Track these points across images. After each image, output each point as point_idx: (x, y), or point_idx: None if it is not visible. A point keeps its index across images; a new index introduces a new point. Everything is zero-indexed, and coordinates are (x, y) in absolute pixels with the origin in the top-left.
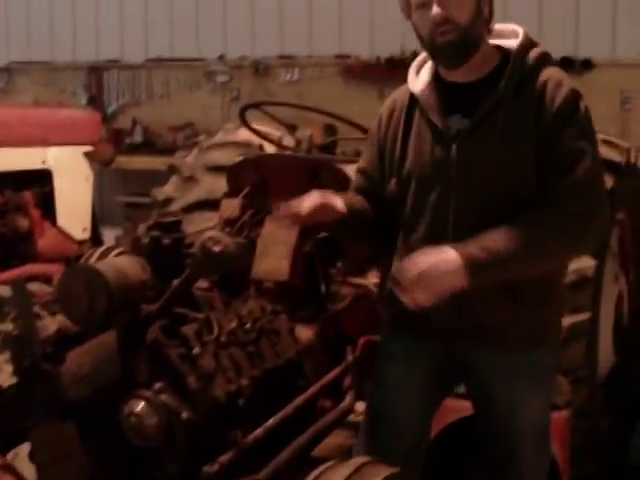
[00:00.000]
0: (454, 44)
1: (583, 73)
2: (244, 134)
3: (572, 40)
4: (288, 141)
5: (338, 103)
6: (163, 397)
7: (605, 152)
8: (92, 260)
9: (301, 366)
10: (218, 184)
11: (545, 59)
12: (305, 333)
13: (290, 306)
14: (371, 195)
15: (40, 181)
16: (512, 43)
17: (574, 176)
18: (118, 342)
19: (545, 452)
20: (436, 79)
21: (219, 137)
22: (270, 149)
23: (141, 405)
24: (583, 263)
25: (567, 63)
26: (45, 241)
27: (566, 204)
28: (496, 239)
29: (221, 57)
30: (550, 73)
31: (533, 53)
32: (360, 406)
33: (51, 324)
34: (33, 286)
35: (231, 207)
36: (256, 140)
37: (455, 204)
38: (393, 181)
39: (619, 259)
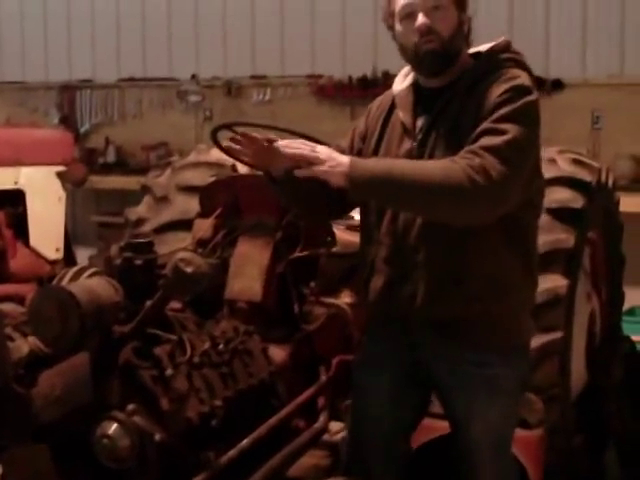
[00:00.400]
0: (437, 52)
1: (554, 93)
2: (217, 154)
3: (543, 60)
4: None
5: (310, 122)
6: (136, 419)
7: (576, 172)
8: (65, 281)
9: (274, 386)
10: (191, 204)
11: (512, 61)
12: (278, 353)
13: (263, 326)
14: None
15: (13, 201)
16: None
17: (492, 141)
18: (90, 364)
19: (507, 465)
20: (416, 83)
21: (192, 157)
22: (243, 169)
23: (114, 427)
24: (555, 282)
25: (538, 83)
26: (18, 261)
27: (468, 160)
28: (394, 165)
29: (193, 77)
30: (510, 71)
31: (502, 56)
32: (334, 426)
33: (23, 346)
34: (6, 306)
35: (204, 227)
36: (228, 160)
37: None
38: None
39: (591, 278)
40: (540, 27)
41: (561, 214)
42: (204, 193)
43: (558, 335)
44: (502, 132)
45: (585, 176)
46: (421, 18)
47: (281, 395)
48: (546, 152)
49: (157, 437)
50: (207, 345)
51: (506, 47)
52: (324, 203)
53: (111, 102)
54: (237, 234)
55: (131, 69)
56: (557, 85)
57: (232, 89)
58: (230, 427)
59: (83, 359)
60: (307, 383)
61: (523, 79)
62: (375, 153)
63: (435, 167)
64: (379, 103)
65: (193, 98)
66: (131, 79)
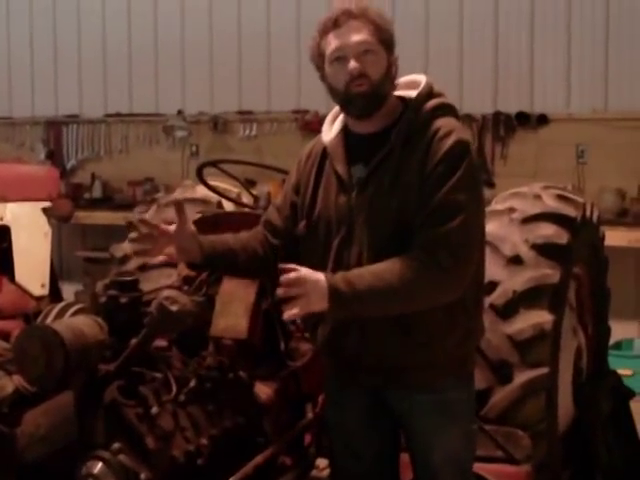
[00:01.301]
0: (367, 95)
1: (539, 128)
2: (202, 191)
3: (527, 96)
4: (247, 198)
5: (296, 157)
6: (121, 458)
7: (561, 207)
8: (50, 318)
9: (261, 424)
10: None
11: (441, 109)
12: (265, 390)
13: (249, 363)
14: (279, 231)
15: None
16: (413, 94)
17: (445, 229)
18: (75, 402)
19: None
20: (345, 130)
21: (177, 194)
22: (229, 206)
23: (99, 466)
24: (540, 318)
25: (523, 118)
26: (3, 297)
27: (432, 256)
28: (363, 277)
29: (180, 112)
30: (442, 123)
31: (430, 103)
32: (321, 462)
33: (8, 384)
34: None
35: None
36: (214, 197)
37: (355, 246)
38: (302, 223)
39: (577, 313)
40: (525, 63)
41: (546, 250)
42: None
43: (544, 370)
44: (455, 208)
45: (570, 212)
46: (353, 63)
47: (267, 432)
48: (531, 188)
49: (143, 476)
50: (193, 383)
51: (431, 90)
52: (258, 270)
53: (97, 137)
54: None
55: (117, 104)
56: (542, 120)
57: (218, 124)
58: (216, 465)
59: (68, 398)
60: (294, 420)
61: (459, 132)
62: (312, 205)
63: (405, 277)
64: (308, 153)
65: (179, 133)
66: (117, 114)
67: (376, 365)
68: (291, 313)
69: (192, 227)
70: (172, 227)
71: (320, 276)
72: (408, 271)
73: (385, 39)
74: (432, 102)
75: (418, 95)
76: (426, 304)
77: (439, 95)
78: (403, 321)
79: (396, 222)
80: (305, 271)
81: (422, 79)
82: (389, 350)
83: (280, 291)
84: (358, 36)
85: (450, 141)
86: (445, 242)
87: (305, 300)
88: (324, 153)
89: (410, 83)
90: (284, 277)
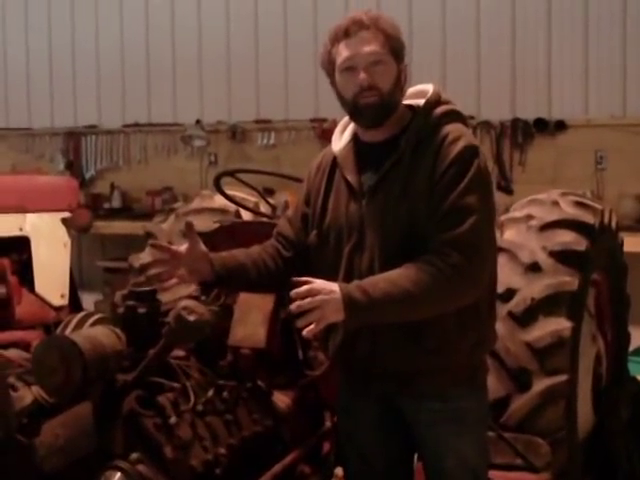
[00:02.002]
0: (376, 107)
1: (557, 134)
2: (220, 200)
3: (545, 102)
4: (265, 207)
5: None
6: (140, 468)
7: (579, 214)
8: (69, 328)
9: (279, 433)
10: None
11: (449, 115)
12: (283, 399)
13: (267, 373)
14: (291, 243)
15: (18, 248)
16: (422, 102)
17: (457, 231)
18: (94, 413)
19: None
20: (355, 139)
21: (195, 203)
22: (247, 215)
23: (117, 476)
24: (559, 325)
25: (541, 124)
26: (23, 308)
27: (445, 258)
28: (377, 284)
29: (198, 122)
30: (451, 129)
31: (438, 110)
32: (340, 471)
33: (27, 395)
34: (10, 352)
35: None
36: (232, 206)
37: (367, 253)
38: (314, 233)
39: (596, 319)
40: (542, 69)
41: (565, 257)
42: (207, 240)
43: (563, 378)
44: (466, 211)
45: (588, 218)
46: (362, 75)
47: (286, 441)
48: (549, 195)
49: None
50: (211, 392)
51: (439, 97)
52: (271, 285)
53: (116, 148)
54: None
55: (136, 115)
56: (560, 126)
57: (236, 133)
58: (235, 475)
59: (86, 408)
60: (312, 428)
61: (467, 137)
62: (322, 215)
63: (420, 281)
64: (318, 164)
65: (198, 143)
66: (136, 125)
67: (387, 372)
68: (310, 329)
69: (203, 247)
70: (183, 248)
71: (334, 287)
72: (422, 275)
73: (395, 48)
74: (440, 109)
75: (426, 102)
76: (442, 308)
77: (447, 102)
78: (413, 327)
79: (407, 228)
80: (318, 282)
81: (429, 88)
82: (400, 356)
83: (293, 306)
84: (368, 47)
85: (459, 146)
86: (457, 244)
87: (320, 312)
88: (334, 162)
89: (418, 93)
90: (295, 291)
